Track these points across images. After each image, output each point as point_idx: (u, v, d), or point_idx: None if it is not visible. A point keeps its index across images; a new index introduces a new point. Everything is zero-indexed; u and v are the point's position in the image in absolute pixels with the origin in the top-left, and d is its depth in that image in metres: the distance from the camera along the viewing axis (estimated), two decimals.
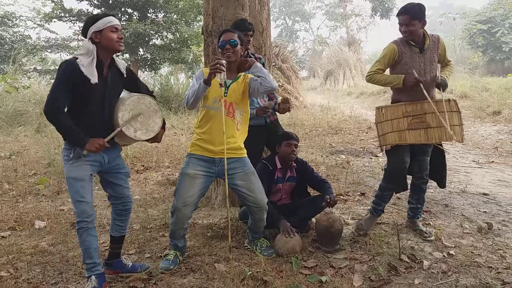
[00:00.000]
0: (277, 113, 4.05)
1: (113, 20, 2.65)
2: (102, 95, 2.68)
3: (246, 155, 3.22)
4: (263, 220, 3.30)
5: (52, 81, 2.63)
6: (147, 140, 2.93)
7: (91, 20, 2.66)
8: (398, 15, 3.45)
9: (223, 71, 2.86)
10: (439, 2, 67.07)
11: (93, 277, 2.71)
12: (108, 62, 2.72)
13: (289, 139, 3.64)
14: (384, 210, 3.88)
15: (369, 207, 3.91)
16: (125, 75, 2.84)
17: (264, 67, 3.97)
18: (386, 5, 30.11)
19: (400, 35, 3.53)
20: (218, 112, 3.02)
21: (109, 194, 2.95)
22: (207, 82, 2.92)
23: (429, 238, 3.59)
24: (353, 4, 44.76)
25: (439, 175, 3.77)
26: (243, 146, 3.22)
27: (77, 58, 2.57)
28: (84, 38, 2.66)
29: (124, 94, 2.88)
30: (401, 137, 3.49)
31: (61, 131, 2.60)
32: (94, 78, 2.57)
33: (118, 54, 2.86)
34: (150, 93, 3.01)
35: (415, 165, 3.67)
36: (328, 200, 3.43)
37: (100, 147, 2.63)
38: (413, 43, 3.48)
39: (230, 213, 3.27)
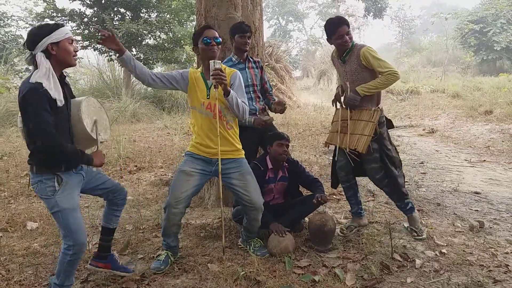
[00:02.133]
0: (271, 113, 4.07)
1: (69, 32, 2.47)
2: (67, 113, 2.52)
3: (243, 156, 3.23)
4: (258, 220, 3.30)
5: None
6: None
7: (44, 30, 2.39)
8: (335, 30, 3.51)
9: (225, 81, 2.88)
10: (431, 2, 67.46)
11: None
12: (59, 76, 2.50)
13: (280, 139, 3.64)
14: (376, 209, 3.89)
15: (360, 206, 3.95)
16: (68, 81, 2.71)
17: (262, 70, 3.98)
18: (379, 5, 30.23)
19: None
20: (207, 116, 3.06)
21: (103, 193, 2.89)
22: (122, 53, 2.90)
23: (420, 237, 3.59)
24: (346, 4, 44.74)
25: (389, 189, 3.70)
26: (239, 146, 3.22)
27: (41, 84, 2.28)
28: (30, 52, 2.40)
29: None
30: (332, 137, 3.86)
31: (69, 155, 2.40)
32: (61, 101, 2.36)
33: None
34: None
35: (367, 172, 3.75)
36: (319, 199, 3.44)
37: (104, 158, 2.60)
38: (336, 55, 3.74)
39: (224, 213, 3.27)
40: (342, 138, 3.68)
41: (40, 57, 2.35)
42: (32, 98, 2.26)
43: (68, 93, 2.58)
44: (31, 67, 2.46)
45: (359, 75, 3.56)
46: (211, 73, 2.89)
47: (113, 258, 3.03)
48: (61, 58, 2.43)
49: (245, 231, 3.42)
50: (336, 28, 3.51)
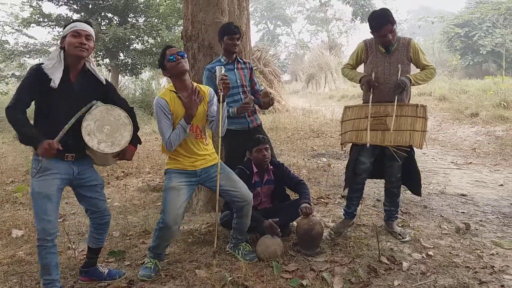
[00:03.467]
0: (259, 117, 4.06)
1: (77, 25, 2.61)
2: (69, 102, 2.60)
3: (219, 159, 3.26)
4: (249, 216, 3.30)
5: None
6: (116, 157, 2.84)
7: (66, 24, 2.67)
8: (381, 27, 3.41)
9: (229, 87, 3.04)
10: (418, 6, 68.12)
11: None
12: (77, 68, 2.67)
13: (257, 144, 3.62)
14: (363, 212, 3.90)
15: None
16: (104, 83, 2.79)
17: (252, 71, 3.98)
18: (367, 9, 30.41)
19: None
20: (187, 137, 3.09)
21: (85, 207, 2.88)
22: (189, 121, 2.99)
23: (403, 240, 3.62)
24: (334, 9, 45.16)
25: (413, 182, 3.78)
26: (214, 151, 3.30)
27: (42, 63, 2.55)
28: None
29: (95, 102, 2.74)
30: (358, 136, 3.58)
31: (17, 129, 2.47)
32: (55, 83, 2.51)
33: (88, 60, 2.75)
34: (129, 108, 2.88)
35: (384, 170, 3.71)
36: (304, 211, 3.44)
37: (49, 150, 2.40)
38: (380, 44, 3.53)
39: (212, 219, 3.28)
40: (376, 135, 3.51)
41: (55, 47, 2.65)
42: (27, 73, 2.55)
43: (86, 86, 2.70)
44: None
45: (403, 68, 3.52)
46: (219, 79, 3.02)
47: (96, 272, 3.02)
48: (68, 51, 2.59)
49: (236, 232, 3.41)
50: (381, 26, 3.41)
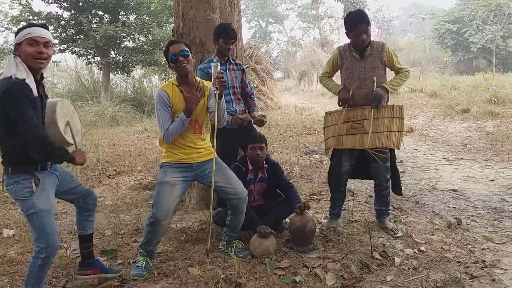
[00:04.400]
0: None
1: (33, 31, 2.33)
2: (40, 110, 2.41)
3: (215, 154, 3.24)
4: (243, 213, 3.30)
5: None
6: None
7: (19, 30, 2.36)
8: (356, 25, 3.43)
9: (224, 85, 3.00)
10: (409, 3, 68.48)
11: None
12: (38, 75, 2.45)
13: (252, 142, 3.62)
14: (356, 208, 3.92)
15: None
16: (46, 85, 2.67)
17: (243, 73, 3.97)
18: (358, 6, 30.51)
19: (347, 41, 3.64)
20: (185, 130, 3.06)
21: (74, 198, 2.84)
22: (189, 113, 2.95)
23: (395, 235, 3.64)
24: (325, 6, 45.19)
25: (394, 182, 3.83)
26: (211, 146, 3.28)
27: (10, 77, 2.24)
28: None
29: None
30: (339, 141, 3.65)
31: (54, 150, 2.39)
32: (35, 92, 2.30)
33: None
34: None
35: (371, 172, 3.72)
36: (302, 208, 3.45)
37: (85, 157, 2.58)
38: (354, 49, 3.56)
39: (205, 217, 3.27)
40: (355, 139, 3.59)
41: (10, 57, 2.34)
42: (16, 94, 2.21)
43: (43, 94, 2.52)
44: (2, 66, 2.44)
45: (378, 72, 3.55)
46: (215, 76, 2.99)
47: (99, 263, 3.00)
48: (23, 59, 2.34)
49: (229, 229, 3.40)
50: (356, 26, 3.42)
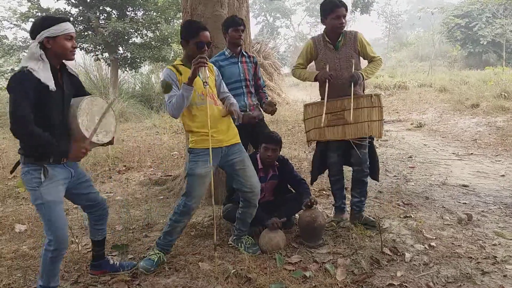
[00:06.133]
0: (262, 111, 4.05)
1: (69, 28, 2.46)
2: (61, 102, 2.51)
3: (240, 141, 3.28)
4: (256, 206, 3.32)
5: None
6: (103, 144, 2.76)
7: (45, 23, 2.41)
8: (335, 8, 3.46)
9: (206, 64, 2.88)
10: None
11: None
12: (60, 68, 2.56)
13: (266, 142, 3.60)
14: (366, 204, 3.91)
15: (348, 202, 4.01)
16: (77, 74, 2.73)
17: (256, 65, 3.99)
18: (366, 0, 30.30)
19: (319, 32, 3.70)
20: (204, 105, 3.01)
21: (84, 205, 2.85)
22: (191, 82, 2.87)
23: (373, 221, 3.69)
24: None
25: (374, 169, 3.83)
26: (235, 128, 3.29)
27: (26, 67, 2.32)
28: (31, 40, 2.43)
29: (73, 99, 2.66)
30: (321, 134, 3.68)
31: (38, 143, 2.36)
32: (52, 85, 2.37)
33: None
34: (89, 94, 2.79)
35: (352, 159, 3.69)
36: (309, 204, 3.45)
37: (86, 151, 2.49)
38: (328, 40, 3.59)
39: (215, 212, 3.27)
40: (337, 131, 3.60)
41: (33, 45, 2.39)
42: (15, 81, 2.31)
43: (69, 84, 2.60)
44: (16, 68, 2.46)
45: (352, 61, 3.57)
46: (203, 81, 2.93)
47: (107, 263, 3.04)
48: (57, 53, 2.45)
49: (239, 223, 3.42)
50: (335, 8, 3.45)
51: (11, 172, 2.68)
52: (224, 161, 3.19)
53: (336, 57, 3.59)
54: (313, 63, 3.88)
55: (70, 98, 2.60)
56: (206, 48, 3.03)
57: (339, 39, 3.57)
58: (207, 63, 2.88)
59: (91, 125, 2.59)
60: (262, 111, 4.01)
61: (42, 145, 2.38)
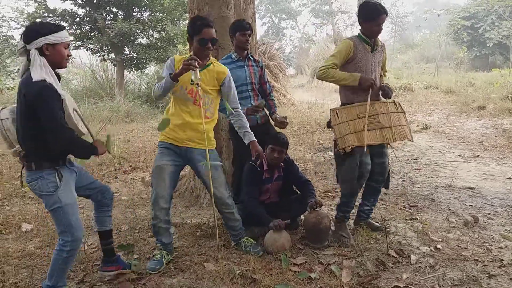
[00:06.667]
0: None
1: (68, 36, 2.50)
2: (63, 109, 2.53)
3: (213, 147, 3.27)
4: (229, 216, 3.36)
5: None
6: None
7: (45, 29, 2.41)
8: (378, 15, 3.36)
9: (197, 68, 2.85)
10: None
11: None
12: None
13: (273, 144, 3.61)
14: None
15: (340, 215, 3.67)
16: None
17: (262, 69, 3.99)
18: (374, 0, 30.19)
19: (355, 34, 3.58)
20: (183, 98, 3.06)
21: (91, 194, 2.88)
22: (175, 78, 2.90)
23: (380, 227, 3.68)
24: (339, 2, 44.82)
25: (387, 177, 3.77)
26: (212, 135, 3.27)
27: (45, 80, 2.34)
28: (24, 44, 2.41)
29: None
30: (359, 138, 3.37)
31: (81, 147, 2.52)
32: (63, 94, 2.46)
33: None
34: None
35: (375, 168, 3.58)
36: (314, 207, 3.45)
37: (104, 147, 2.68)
38: (368, 42, 3.47)
39: (217, 213, 3.29)
40: (375, 135, 3.39)
41: (34, 54, 2.38)
42: (48, 96, 2.33)
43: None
44: (19, 62, 2.50)
45: (379, 67, 3.57)
46: (196, 82, 2.92)
47: (120, 259, 3.06)
48: (54, 60, 2.45)
49: (229, 230, 3.49)
50: (379, 15, 3.35)
51: (21, 184, 2.70)
52: (186, 162, 3.23)
53: (372, 59, 3.49)
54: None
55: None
56: (210, 45, 3.02)
57: (378, 42, 3.52)
58: (197, 67, 2.85)
59: (77, 118, 2.70)
60: (272, 120, 4.03)
61: (83, 148, 2.51)
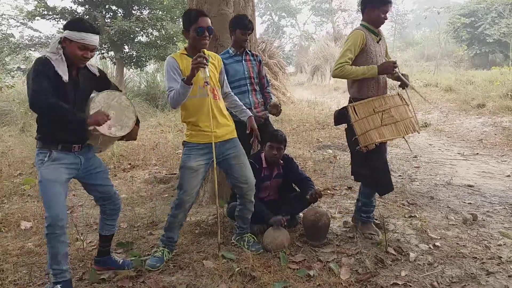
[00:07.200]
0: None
1: (86, 38, 2.54)
2: (73, 96, 2.61)
3: (236, 135, 3.26)
4: (252, 201, 3.32)
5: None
6: (122, 138, 2.84)
7: (74, 24, 2.56)
8: (387, 2, 3.33)
9: (207, 65, 2.83)
10: None
11: (58, 286, 2.60)
12: (77, 66, 2.66)
13: (272, 141, 3.61)
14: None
15: (362, 215, 3.66)
16: (97, 75, 2.80)
17: (260, 63, 3.98)
18: None
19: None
20: (204, 98, 2.98)
21: (96, 196, 2.90)
22: (189, 81, 2.81)
23: (378, 224, 3.65)
24: None
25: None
26: (233, 124, 3.27)
27: (45, 55, 2.53)
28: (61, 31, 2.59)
29: (93, 93, 2.77)
30: (380, 134, 3.28)
31: (57, 114, 2.46)
32: (65, 76, 2.52)
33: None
34: (119, 90, 2.92)
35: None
36: (313, 195, 3.45)
37: (106, 118, 2.58)
38: (375, 31, 3.43)
39: (219, 210, 3.29)
40: (392, 129, 3.32)
41: (55, 40, 2.58)
42: (36, 64, 2.48)
43: (86, 82, 2.71)
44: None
45: (384, 57, 3.54)
46: (204, 80, 2.89)
47: (111, 260, 3.05)
48: (67, 54, 2.57)
49: (239, 220, 3.43)
50: (387, 4, 3.31)
51: None
52: (219, 156, 3.14)
53: (378, 50, 3.43)
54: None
55: (85, 94, 2.70)
56: (207, 34, 2.97)
57: (381, 32, 3.48)
58: (206, 64, 2.81)
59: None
60: (268, 112, 4.03)
61: (61, 114, 2.47)
